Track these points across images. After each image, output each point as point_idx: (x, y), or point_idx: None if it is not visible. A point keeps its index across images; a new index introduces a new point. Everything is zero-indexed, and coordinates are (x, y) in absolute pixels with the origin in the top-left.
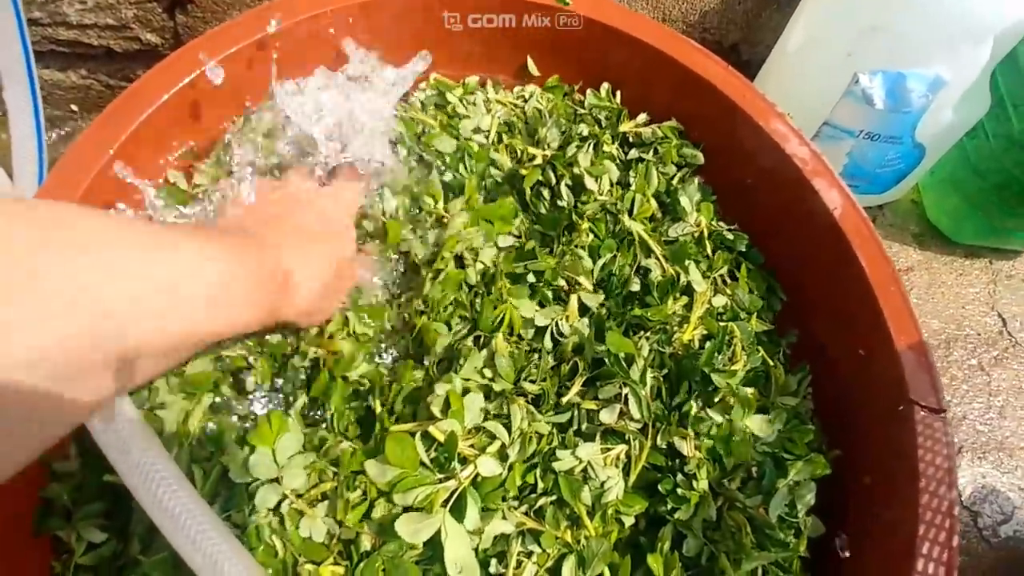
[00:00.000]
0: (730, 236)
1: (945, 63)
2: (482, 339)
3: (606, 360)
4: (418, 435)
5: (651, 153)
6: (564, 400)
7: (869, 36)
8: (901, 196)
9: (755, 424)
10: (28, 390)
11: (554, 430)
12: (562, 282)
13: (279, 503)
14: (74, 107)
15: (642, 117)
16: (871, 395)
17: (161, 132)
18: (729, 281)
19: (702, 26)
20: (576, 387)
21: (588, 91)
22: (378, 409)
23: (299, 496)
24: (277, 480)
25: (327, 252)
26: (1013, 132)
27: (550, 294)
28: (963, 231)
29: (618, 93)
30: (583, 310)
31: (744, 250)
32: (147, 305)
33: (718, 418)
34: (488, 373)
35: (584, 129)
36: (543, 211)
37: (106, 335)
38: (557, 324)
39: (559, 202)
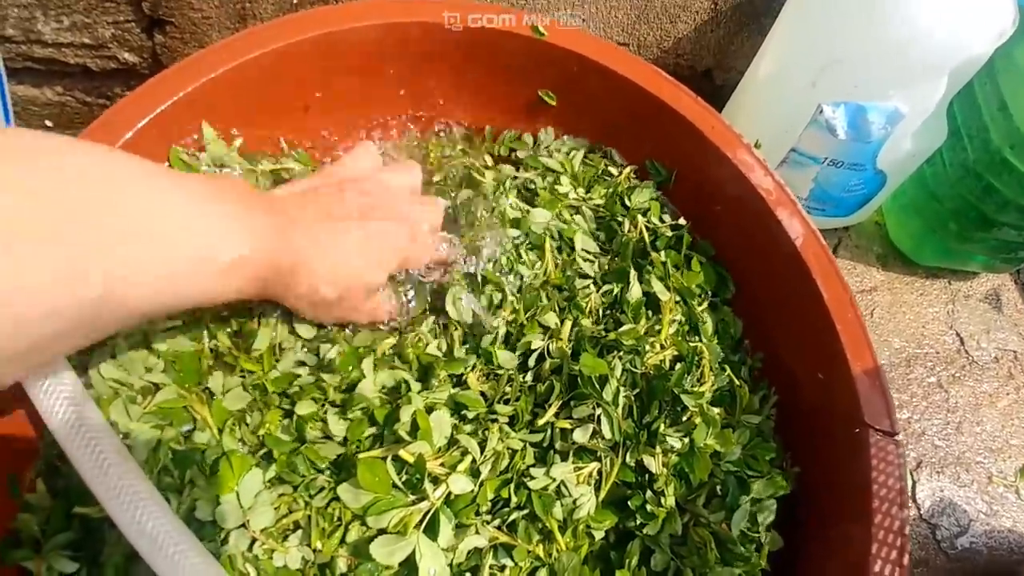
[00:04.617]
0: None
1: (902, 97)
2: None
3: (579, 381)
4: (389, 458)
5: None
6: (540, 422)
7: (831, 69)
8: (865, 219)
9: (719, 443)
10: None
11: (527, 447)
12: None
13: (251, 544)
14: (48, 123)
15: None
16: (829, 418)
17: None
18: (684, 271)
19: (676, 52)
20: (553, 409)
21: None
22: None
23: (269, 533)
24: (244, 526)
25: (352, 271)
26: (968, 161)
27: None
28: (923, 253)
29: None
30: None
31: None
32: (156, 269)
33: (685, 437)
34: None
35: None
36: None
37: (109, 298)
38: (548, 346)
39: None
